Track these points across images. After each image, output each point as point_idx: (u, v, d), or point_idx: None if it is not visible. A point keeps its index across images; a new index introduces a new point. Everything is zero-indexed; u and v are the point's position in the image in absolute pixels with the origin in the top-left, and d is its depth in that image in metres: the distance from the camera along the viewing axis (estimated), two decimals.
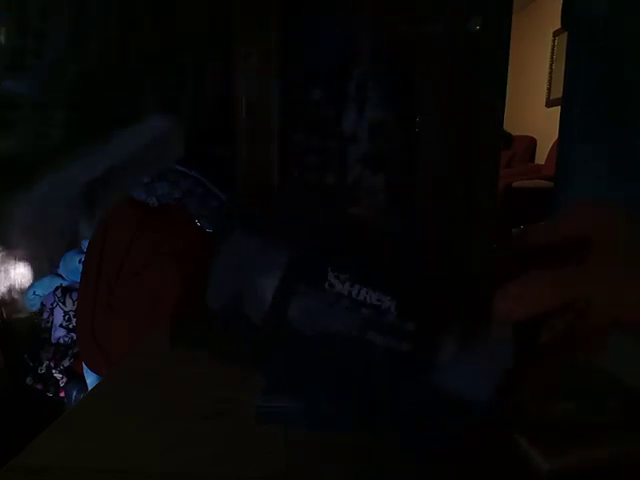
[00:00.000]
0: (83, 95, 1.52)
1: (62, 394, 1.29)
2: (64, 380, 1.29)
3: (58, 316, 1.33)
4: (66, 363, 1.29)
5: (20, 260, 1.54)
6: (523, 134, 4.67)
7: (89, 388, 1.04)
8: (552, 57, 4.35)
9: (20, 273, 1.55)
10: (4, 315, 1.53)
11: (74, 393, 1.26)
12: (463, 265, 0.28)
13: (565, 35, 0.82)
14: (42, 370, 1.30)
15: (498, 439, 0.39)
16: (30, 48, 1.44)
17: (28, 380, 1.32)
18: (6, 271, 1.53)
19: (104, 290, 1.23)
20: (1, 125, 1.43)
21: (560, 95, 0.82)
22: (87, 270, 1.26)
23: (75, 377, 1.28)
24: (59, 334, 1.34)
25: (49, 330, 1.36)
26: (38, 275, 1.52)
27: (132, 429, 0.40)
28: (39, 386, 1.31)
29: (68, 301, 1.32)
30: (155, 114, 1.44)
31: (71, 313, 1.32)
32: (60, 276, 1.41)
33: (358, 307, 0.27)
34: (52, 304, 1.34)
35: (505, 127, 1.90)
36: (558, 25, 3.76)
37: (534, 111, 4.71)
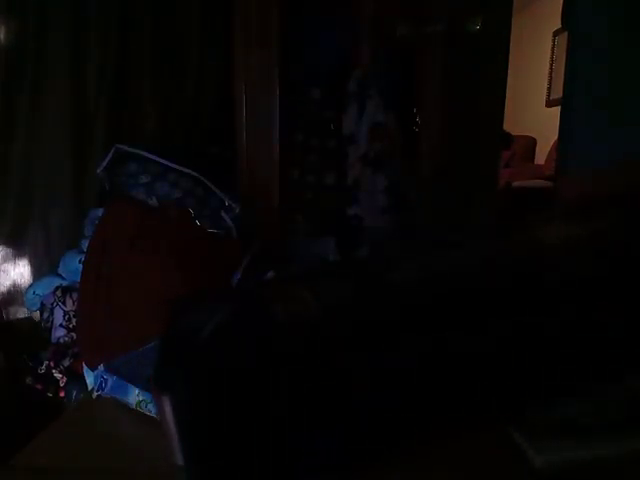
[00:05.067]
0: None
1: (62, 394, 1.28)
2: (64, 380, 1.29)
3: (58, 316, 1.33)
4: (66, 363, 1.29)
5: (20, 260, 1.54)
6: (523, 134, 4.67)
7: (89, 388, 1.04)
8: (552, 57, 4.35)
9: (20, 273, 1.54)
10: (4, 315, 1.53)
11: (74, 393, 1.26)
12: None
13: (565, 35, 0.82)
14: (42, 370, 1.30)
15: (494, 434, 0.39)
16: None
17: (28, 380, 1.32)
18: (6, 271, 1.53)
19: (104, 290, 1.22)
20: None
21: (560, 95, 0.82)
22: (87, 270, 1.25)
23: (75, 377, 1.27)
24: (59, 334, 1.33)
25: (49, 330, 1.36)
26: (38, 275, 1.52)
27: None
28: (39, 386, 1.30)
29: (68, 301, 1.32)
30: None
31: (71, 313, 1.32)
32: (60, 276, 1.41)
33: None
34: (52, 304, 1.34)
35: (505, 127, 1.90)
36: (558, 25, 3.76)
37: (534, 111, 4.71)
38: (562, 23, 0.83)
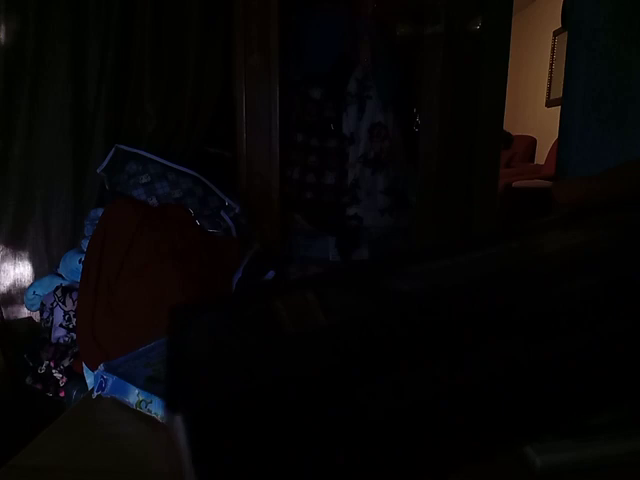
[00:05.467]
0: None
1: (62, 394, 1.28)
2: (64, 380, 1.29)
3: (58, 316, 1.33)
4: (66, 363, 1.29)
5: (20, 260, 1.54)
6: (523, 134, 4.67)
7: (89, 388, 1.04)
8: (552, 57, 4.35)
9: (20, 273, 1.54)
10: (4, 315, 1.53)
11: (74, 393, 1.26)
12: None
13: (565, 35, 0.82)
14: (42, 370, 1.30)
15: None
16: None
17: (28, 380, 1.32)
18: (6, 271, 1.53)
19: (104, 290, 1.22)
20: None
21: (560, 95, 0.82)
22: (87, 270, 1.26)
23: (75, 377, 1.28)
24: (59, 334, 1.34)
25: (49, 330, 1.36)
26: (38, 275, 1.52)
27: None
28: (39, 386, 1.30)
29: (68, 301, 1.32)
30: None
31: (71, 313, 1.32)
32: (60, 276, 1.41)
33: None
34: (52, 304, 1.34)
35: (505, 127, 1.90)
36: (558, 25, 3.76)
37: (534, 111, 4.71)
38: (562, 23, 0.83)
